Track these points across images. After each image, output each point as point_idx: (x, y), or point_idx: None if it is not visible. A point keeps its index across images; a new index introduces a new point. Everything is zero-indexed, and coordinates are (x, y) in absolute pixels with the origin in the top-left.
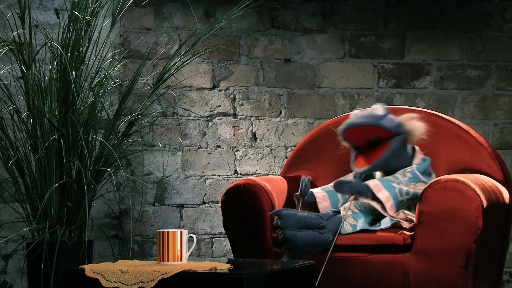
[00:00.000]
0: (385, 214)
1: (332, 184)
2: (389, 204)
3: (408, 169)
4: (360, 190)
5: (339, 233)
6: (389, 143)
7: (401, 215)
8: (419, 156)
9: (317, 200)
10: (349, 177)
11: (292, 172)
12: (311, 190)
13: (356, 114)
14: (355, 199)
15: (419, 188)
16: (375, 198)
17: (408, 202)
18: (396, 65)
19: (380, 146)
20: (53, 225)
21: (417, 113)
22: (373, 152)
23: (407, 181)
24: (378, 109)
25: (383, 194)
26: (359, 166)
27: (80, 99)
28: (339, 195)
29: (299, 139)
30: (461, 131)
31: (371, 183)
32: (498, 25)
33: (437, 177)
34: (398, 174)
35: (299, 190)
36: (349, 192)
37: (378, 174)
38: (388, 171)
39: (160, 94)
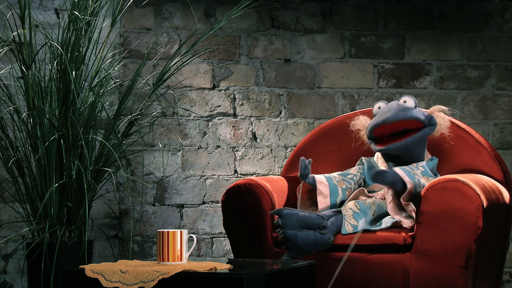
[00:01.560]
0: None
1: (334, 175)
2: (410, 186)
3: (420, 163)
4: (394, 182)
5: (342, 234)
6: (417, 131)
7: (409, 206)
8: (427, 155)
9: (317, 185)
10: (352, 170)
11: (292, 172)
12: (312, 175)
13: (384, 107)
14: (355, 197)
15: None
16: (399, 192)
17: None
18: (396, 65)
19: (406, 134)
20: (53, 225)
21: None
22: (397, 137)
23: (420, 174)
24: (409, 101)
25: (408, 179)
26: (382, 146)
27: (80, 99)
28: (339, 189)
29: (299, 139)
30: (461, 131)
31: (396, 169)
32: (498, 25)
33: None
34: (412, 166)
35: (299, 172)
36: (383, 182)
37: (383, 166)
38: (402, 163)
39: (160, 94)
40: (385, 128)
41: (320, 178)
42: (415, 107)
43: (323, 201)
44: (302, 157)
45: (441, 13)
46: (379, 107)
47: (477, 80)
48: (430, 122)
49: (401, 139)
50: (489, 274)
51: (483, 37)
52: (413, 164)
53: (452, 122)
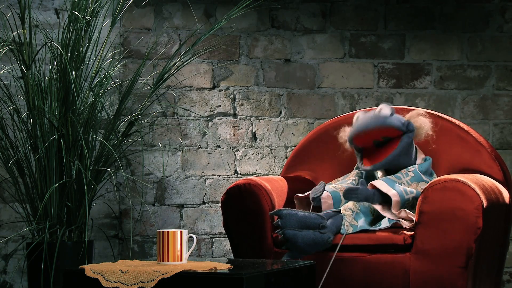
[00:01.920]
0: (385, 214)
1: (333, 184)
2: (395, 199)
3: (411, 168)
4: (367, 197)
5: (341, 233)
6: (398, 141)
7: (402, 213)
8: (420, 156)
9: (322, 200)
10: (350, 176)
11: (292, 172)
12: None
13: (361, 116)
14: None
15: (421, 187)
16: (383, 200)
17: (413, 201)
18: (396, 65)
19: (389, 145)
20: (53, 225)
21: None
22: (381, 150)
23: (409, 180)
24: (384, 109)
25: (390, 191)
26: (368, 165)
27: (80, 99)
28: (341, 195)
29: (299, 139)
30: (461, 131)
31: (377, 183)
32: (498, 25)
33: (437, 177)
34: (400, 174)
35: (314, 193)
36: (356, 199)
37: (379, 173)
38: (393, 170)
39: (160, 94)
40: (363, 137)
41: (324, 193)
42: (392, 114)
43: (325, 206)
44: (323, 182)
45: (441, 13)
46: (357, 117)
47: (477, 80)
48: (408, 128)
49: (384, 154)
50: (489, 274)
51: (483, 37)
52: (403, 170)
53: (452, 122)
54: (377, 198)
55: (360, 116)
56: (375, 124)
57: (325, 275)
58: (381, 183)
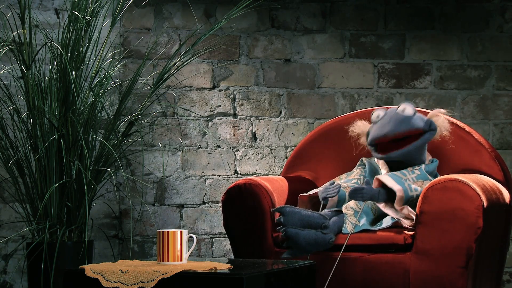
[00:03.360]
0: (387, 211)
1: (341, 181)
2: (400, 194)
3: (417, 167)
4: (372, 196)
5: (343, 233)
6: (418, 137)
7: (404, 210)
8: (428, 157)
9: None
10: (354, 174)
11: (292, 172)
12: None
13: (384, 118)
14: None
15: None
16: (387, 197)
17: (416, 199)
18: (396, 65)
19: (407, 140)
20: (53, 225)
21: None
22: (398, 143)
23: (414, 178)
24: (407, 109)
25: (396, 187)
26: (383, 154)
27: (80, 99)
28: (346, 194)
29: (299, 139)
30: (461, 131)
31: (383, 178)
32: (498, 25)
33: None
34: (406, 171)
35: (327, 193)
36: (361, 199)
37: (383, 171)
38: (402, 166)
39: (160, 94)
40: (387, 139)
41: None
42: (414, 114)
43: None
44: (338, 182)
45: (441, 13)
46: (378, 115)
47: (477, 80)
48: (430, 127)
49: (402, 146)
50: (489, 274)
51: (483, 37)
52: (409, 168)
53: (452, 122)
54: (382, 196)
55: (382, 117)
56: (400, 130)
57: (330, 276)
58: (386, 178)
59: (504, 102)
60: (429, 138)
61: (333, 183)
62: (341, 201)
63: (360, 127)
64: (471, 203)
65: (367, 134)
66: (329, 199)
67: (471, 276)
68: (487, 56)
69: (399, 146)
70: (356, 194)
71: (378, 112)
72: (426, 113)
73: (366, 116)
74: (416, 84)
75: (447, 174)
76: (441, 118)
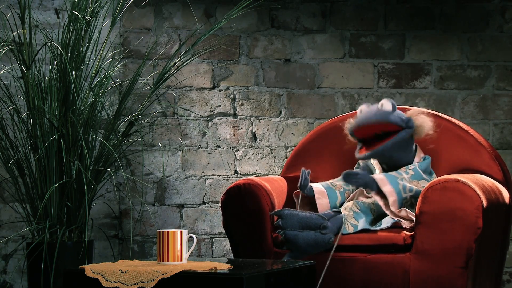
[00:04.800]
0: (387, 211)
1: (331, 181)
2: (392, 199)
3: (410, 166)
4: (366, 183)
5: (343, 233)
6: (395, 135)
7: (402, 212)
8: (419, 155)
9: (316, 195)
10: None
11: (292, 172)
12: (310, 184)
13: (364, 111)
14: (354, 197)
15: (422, 185)
16: (380, 191)
17: (411, 200)
18: (396, 65)
19: (387, 138)
20: (53, 225)
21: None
22: (378, 142)
23: (410, 178)
24: (386, 104)
25: (387, 188)
26: (362, 153)
27: (80, 99)
28: (337, 193)
29: (299, 139)
30: (461, 131)
31: (376, 177)
32: (498, 25)
33: (437, 177)
34: (401, 171)
35: (299, 182)
36: (355, 183)
37: (377, 170)
38: (392, 166)
39: (160, 94)
40: (363, 130)
41: (316, 185)
42: (394, 110)
43: (322, 204)
44: (303, 168)
45: (441, 13)
46: (361, 110)
47: (477, 80)
48: (407, 125)
49: (380, 143)
50: (489, 274)
51: (483, 37)
52: (403, 168)
53: (452, 122)
54: (375, 186)
55: (363, 110)
56: (375, 119)
57: (322, 274)
58: (380, 178)
59: (504, 102)
60: (403, 136)
61: (302, 171)
62: (332, 199)
63: (349, 124)
64: (471, 203)
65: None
66: (319, 197)
67: (471, 276)
68: (487, 56)
69: (377, 145)
70: (350, 177)
71: (362, 107)
72: (407, 110)
73: None
74: (416, 84)
75: (446, 174)
76: (422, 117)
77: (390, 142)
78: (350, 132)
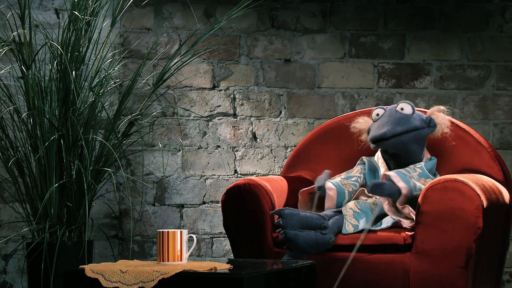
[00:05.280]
0: (387, 211)
1: (340, 178)
2: (405, 192)
3: (418, 164)
4: (391, 193)
5: (343, 233)
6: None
7: (405, 209)
8: (426, 155)
9: (327, 192)
10: (354, 172)
11: (292, 172)
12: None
13: (383, 117)
14: (356, 198)
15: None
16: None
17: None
18: (396, 65)
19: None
20: (53, 225)
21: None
22: None
23: (417, 176)
24: (406, 108)
25: (401, 184)
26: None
27: (80, 99)
28: (346, 192)
29: (299, 139)
30: (461, 131)
31: (390, 174)
32: (498, 25)
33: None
34: (409, 169)
35: (317, 183)
36: (380, 194)
37: (382, 169)
38: (402, 162)
39: (160, 94)
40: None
41: (329, 184)
42: (413, 112)
43: (329, 205)
44: (327, 170)
45: (441, 13)
46: (377, 114)
47: (477, 80)
48: (429, 124)
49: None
50: (489, 274)
51: (483, 37)
52: (411, 166)
53: (452, 122)
54: (397, 196)
55: (382, 116)
56: (400, 128)
57: (340, 276)
58: (393, 175)
59: (504, 102)
60: (427, 132)
61: (327, 173)
62: (340, 198)
63: (361, 124)
64: (471, 203)
65: (368, 131)
66: (328, 195)
67: (471, 276)
68: (487, 56)
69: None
70: (376, 189)
71: (378, 111)
72: (425, 112)
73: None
74: (416, 84)
75: (447, 174)
76: (441, 115)
77: (412, 133)
78: (371, 140)
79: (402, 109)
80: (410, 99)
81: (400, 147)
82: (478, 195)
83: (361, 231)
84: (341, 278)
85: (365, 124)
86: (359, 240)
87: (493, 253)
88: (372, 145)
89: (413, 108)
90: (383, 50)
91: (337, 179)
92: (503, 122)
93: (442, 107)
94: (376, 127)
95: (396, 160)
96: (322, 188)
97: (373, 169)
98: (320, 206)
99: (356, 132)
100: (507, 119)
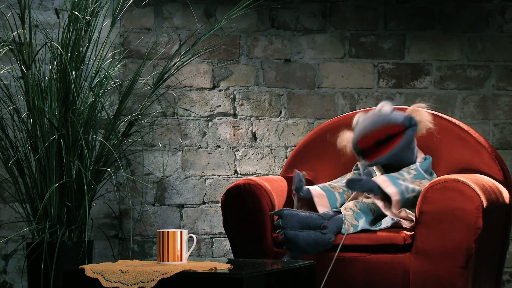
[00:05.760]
0: (386, 212)
1: (329, 183)
2: (395, 198)
3: (412, 166)
4: (371, 188)
5: (343, 233)
6: (401, 136)
7: (402, 213)
8: (420, 155)
9: (314, 198)
10: (348, 177)
11: (292, 172)
12: (307, 187)
13: (362, 118)
14: (354, 198)
15: (424, 185)
16: (384, 195)
17: (414, 200)
18: (396, 65)
19: (390, 142)
20: (53, 225)
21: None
22: (382, 147)
23: (412, 178)
24: (385, 106)
25: (391, 189)
26: (371, 160)
27: (80, 99)
28: (337, 194)
29: (299, 139)
30: (461, 131)
31: (378, 179)
32: (498, 25)
33: (437, 177)
34: (403, 172)
35: (293, 185)
36: (359, 189)
37: (378, 173)
38: (395, 167)
39: (160, 94)
40: (367, 139)
41: (314, 188)
42: (392, 111)
43: (322, 207)
44: (296, 170)
45: (441, 13)
46: (357, 121)
47: (477, 80)
48: (410, 122)
49: (387, 149)
50: (489, 274)
51: (483, 37)
52: (405, 168)
53: (452, 122)
54: (379, 191)
55: (361, 118)
56: (379, 122)
57: (326, 276)
58: (382, 180)
59: (504, 102)
60: (412, 135)
61: (296, 173)
62: (332, 202)
63: (346, 137)
64: (471, 203)
65: (351, 143)
66: (318, 200)
67: (471, 276)
68: (487, 56)
69: (384, 150)
70: (353, 184)
71: (358, 116)
72: (404, 109)
73: None
74: (416, 84)
75: (446, 174)
76: (421, 111)
77: (401, 143)
78: (355, 143)
79: (380, 109)
80: (410, 99)
81: (394, 159)
82: (478, 195)
83: (361, 231)
84: (341, 278)
85: (349, 136)
86: (341, 241)
87: (493, 253)
88: (365, 163)
89: (392, 107)
90: (383, 50)
91: (326, 183)
92: (503, 122)
93: (422, 104)
94: (357, 130)
95: (389, 167)
96: (298, 190)
97: (369, 174)
98: (310, 209)
99: (342, 147)
100: (507, 119)
